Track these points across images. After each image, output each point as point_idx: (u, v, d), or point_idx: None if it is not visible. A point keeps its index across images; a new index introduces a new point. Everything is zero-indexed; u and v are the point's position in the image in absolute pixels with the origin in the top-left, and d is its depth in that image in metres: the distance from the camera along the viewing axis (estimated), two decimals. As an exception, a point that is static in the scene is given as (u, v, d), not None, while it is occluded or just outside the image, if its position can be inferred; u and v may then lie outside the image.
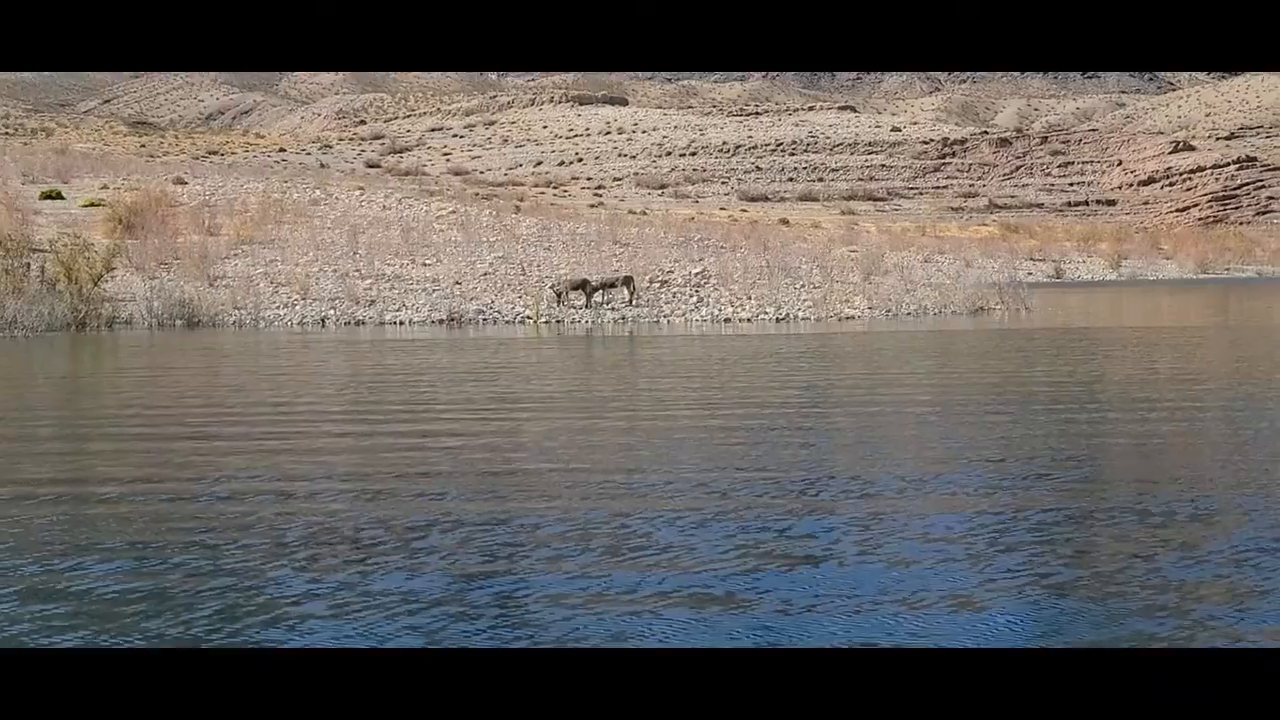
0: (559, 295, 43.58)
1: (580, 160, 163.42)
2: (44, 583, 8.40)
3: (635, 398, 20.10)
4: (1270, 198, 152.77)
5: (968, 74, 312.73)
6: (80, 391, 23.70)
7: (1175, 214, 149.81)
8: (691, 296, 45.73)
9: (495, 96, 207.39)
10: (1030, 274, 79.18)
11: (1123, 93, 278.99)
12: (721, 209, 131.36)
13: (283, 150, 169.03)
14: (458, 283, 47.00)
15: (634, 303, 44.11)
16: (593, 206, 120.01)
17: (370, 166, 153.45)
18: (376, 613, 7.56)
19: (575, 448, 14.42)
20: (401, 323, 41.76)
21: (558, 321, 41.74)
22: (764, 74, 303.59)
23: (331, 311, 42.74)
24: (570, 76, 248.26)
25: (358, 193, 75.45)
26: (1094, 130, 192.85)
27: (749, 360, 27.57)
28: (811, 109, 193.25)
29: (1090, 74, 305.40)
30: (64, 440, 16.06)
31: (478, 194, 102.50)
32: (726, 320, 42.33)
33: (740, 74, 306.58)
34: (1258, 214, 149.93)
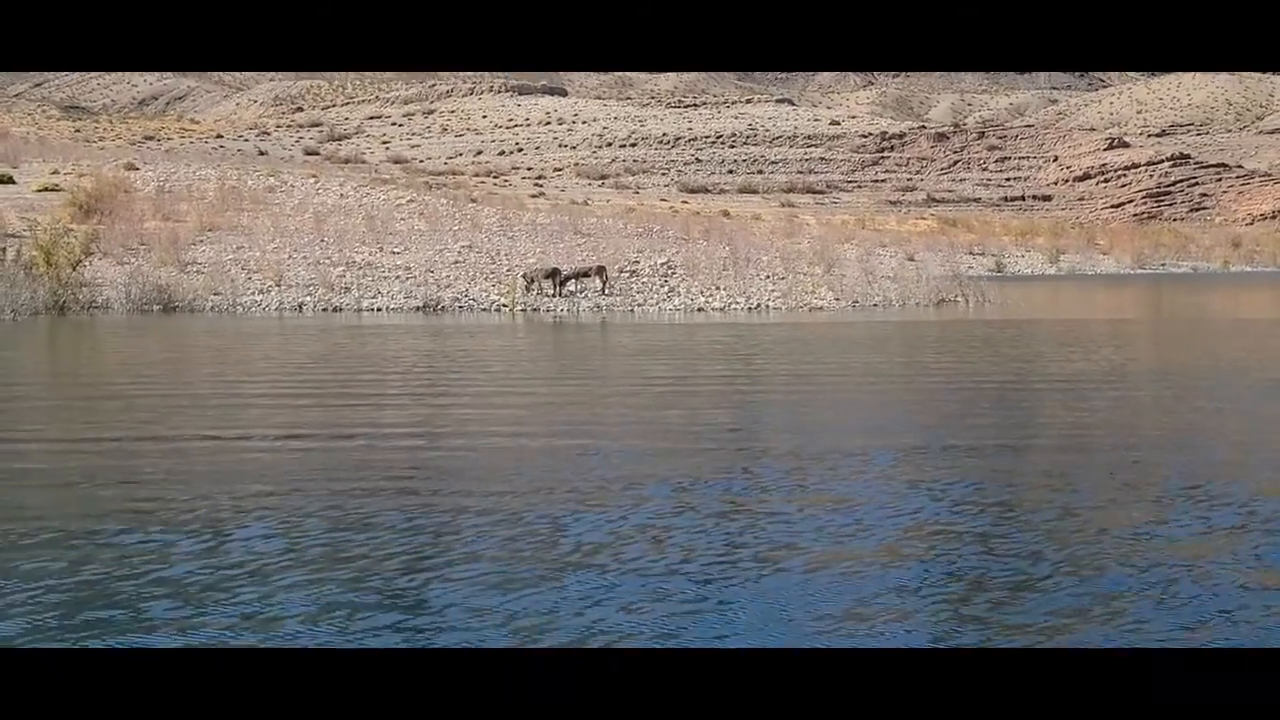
0: (530, 283, 44.10)
1: (520, 150, 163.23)
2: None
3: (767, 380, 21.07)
4: (1204, 195, 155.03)
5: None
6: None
7: (1110, 210, 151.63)
8: (662, 286, 46.39)
9: (434, 85, 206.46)
10: (971, 268, 79.93)
11: (1054, 89, 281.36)
12: (662, 200, 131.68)
13: (220, 136, 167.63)
14: (430, 271, 47.39)
15: (607, 292, 44.72)
16: (534, 197, 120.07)
17: (309, 154, 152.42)
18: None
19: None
20: (379, 309, 42.19)
21: (533, 310, 42.26)
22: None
23: (308, 298, 43.09)
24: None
25: (312, 180, 75.45)
26: (1030, 126, 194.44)
27: (822, 346, 28.59)
28: (750, 101, 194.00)
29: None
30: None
31: (428, 183, 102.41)
32: (700, 310, 43.02)
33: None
34: (1191, 210, 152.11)
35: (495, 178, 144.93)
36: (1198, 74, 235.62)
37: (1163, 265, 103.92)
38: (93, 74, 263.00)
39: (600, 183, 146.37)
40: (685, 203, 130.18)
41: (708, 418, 16.47)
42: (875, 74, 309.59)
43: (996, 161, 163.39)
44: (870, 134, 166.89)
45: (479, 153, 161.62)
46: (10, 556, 8.94)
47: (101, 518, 10.13)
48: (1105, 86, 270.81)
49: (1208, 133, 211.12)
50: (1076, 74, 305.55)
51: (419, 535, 9.52)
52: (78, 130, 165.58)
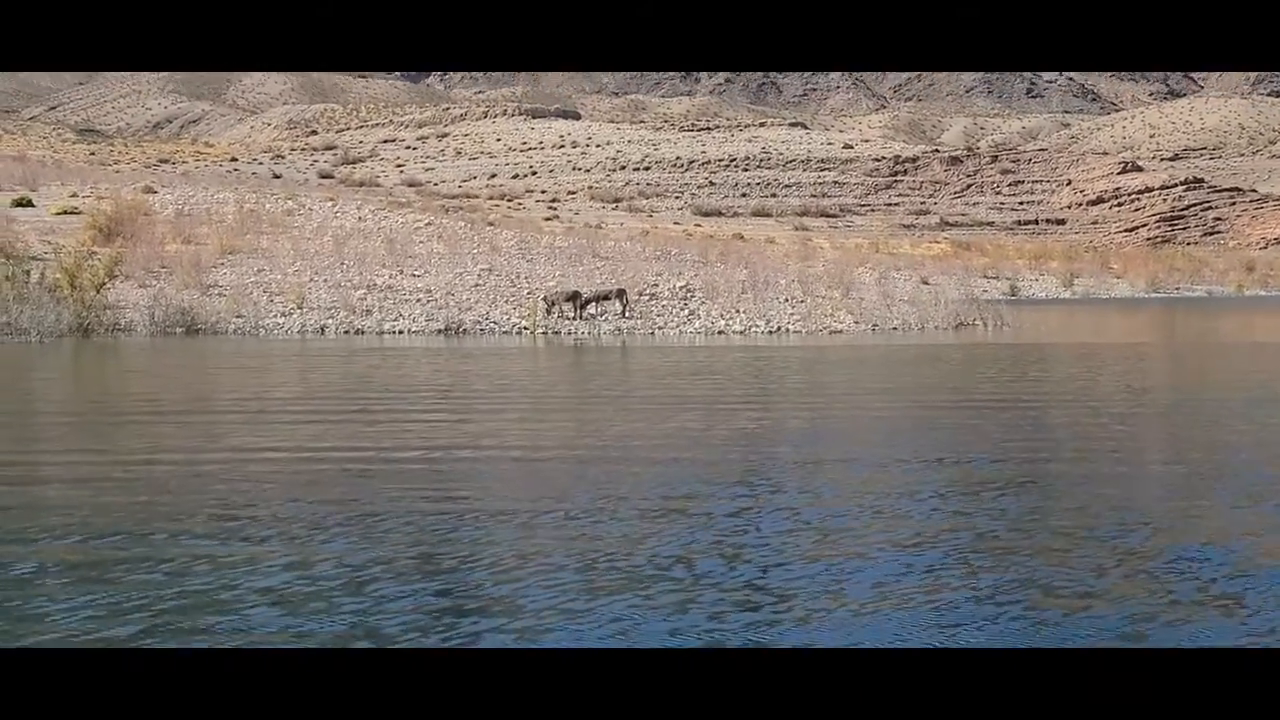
0: (551, 306, 44.20)
1: (534, 173, 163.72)
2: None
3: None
4: (1217, 219, 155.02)
5: (913, 93, 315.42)
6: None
7: (1124, 234, 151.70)
8: (682, 309, 46.49)
9: (448, 109, 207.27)
10: (986, 291, 79.86)
11: (1066, 113, 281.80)
12: (676, 224, 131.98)
13: (234, 160, 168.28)
14: (450, 294, 47.51)
15: (627, 315, 44.82)
16: (548, 220, 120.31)
17: (323, 177, 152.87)
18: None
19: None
20: (401, 332, 42.27)
21: (554, 332, 42.38)
22: (711, 91, 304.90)
23: (330, 320, 43.19)
24: (520, 89, 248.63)
25: (330, 204, 75.68)
26: (1043, 150, 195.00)
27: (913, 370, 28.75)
28: (763, 125, 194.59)
29: (1034, 93, 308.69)
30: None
31: (445, 207, 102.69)
32: (720, 333, 43.12)
33: (688, 90, 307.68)
34: (1205, 234, 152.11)
35: (509, 201, 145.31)
36: (1209, 98, 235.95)
37: (1176, 289, 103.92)
38: (107, 98, 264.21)
39: (614, 206, 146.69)
40: (699, 225, 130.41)
41: (754, 435, 16.71)
42: (887, 98, 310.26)
43: (1010, 185, 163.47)
44: (883, 158, 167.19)
45: (493, 176, 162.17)
46: (114, 561, 9.32)
47: (191, 529, 10.51)
48: (1117, 110, 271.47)
49: (1220, 157, 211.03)
50: (1088, 98, 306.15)
51: (498, 545, 9.83)
52: (92, 153, 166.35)
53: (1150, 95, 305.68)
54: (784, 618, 7.88)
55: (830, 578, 8.80)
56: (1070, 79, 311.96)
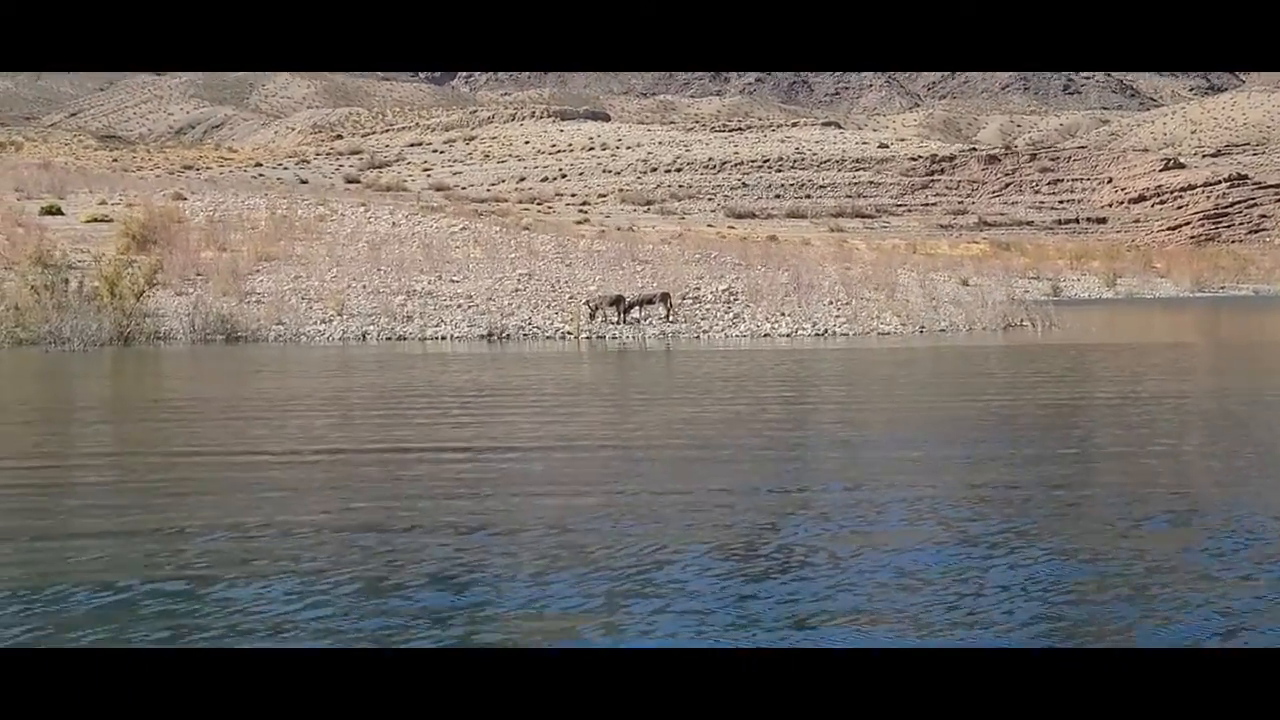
0: (594, 311, 43.60)
1: (564, 176, 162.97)
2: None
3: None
4: (1262, 216, 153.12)
5: (947, 90, 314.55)
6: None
7: (1167, 232, 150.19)
8: (726, 313, 45.89)
9: (475, 111, 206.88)
10: (1027, 292, 79.08)
11: (1105, 109, 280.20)
12: (709, 226, 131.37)
13: (259, 165, 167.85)
14: (491, 299, 46.90)
15: (671, 318, 44.20)
16: (579, 223, 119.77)
17: (350, 182, 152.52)
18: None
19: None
20: (444, 338, 41.89)
21: (599, 337, 41.85)
22: (742, 91, 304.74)
23: (371, 327, 42.71)
24: (548, 92, 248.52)
25: (362, 209, 75.07)
26: (1083, 148, 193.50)
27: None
28: (795, 125, 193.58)
29: (1072, 90, 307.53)
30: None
31: (477, 211, 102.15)
32: (766, 336, 42.60)
33: (718, 90, 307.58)
34: (1250, 232, 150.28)
35: (539, 204, 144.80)
36: (1251, 93, 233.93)
37: (1222, 288, 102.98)
38: (128, 104, 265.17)
39: (645, 208, 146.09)
40: (732, 228, 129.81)
41: (844, 431, 17.22)
42: (921, 96, 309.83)
43: (1049, 184, 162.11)
44: (920, 157, 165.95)
45: (521, 179, 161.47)
46: (279, 552, 9.64)
47: (338, 522, 10.86)
48: (1157, 106, 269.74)
49: (1264, 152, 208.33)
50: (1127, 94, 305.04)
51: (634, 535, 10.06)
52: (115, 159, 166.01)
53: (1190, 90, 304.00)
54: (934, 603, 8.05)
55: (962, 563, 9.07)
56: (1108, 75, 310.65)
